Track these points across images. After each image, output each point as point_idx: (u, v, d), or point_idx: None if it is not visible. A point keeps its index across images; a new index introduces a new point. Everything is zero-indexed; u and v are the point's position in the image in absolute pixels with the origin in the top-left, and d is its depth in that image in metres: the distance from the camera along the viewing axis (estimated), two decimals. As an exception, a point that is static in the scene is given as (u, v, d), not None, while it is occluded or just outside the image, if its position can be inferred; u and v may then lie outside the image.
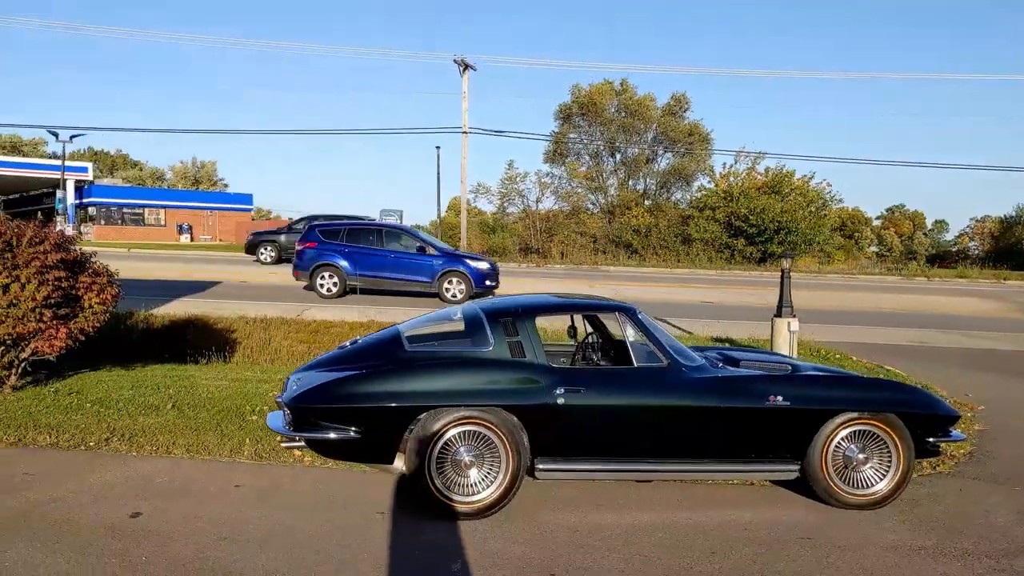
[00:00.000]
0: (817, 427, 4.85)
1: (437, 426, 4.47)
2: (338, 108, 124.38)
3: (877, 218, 77.04)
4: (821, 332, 12.77)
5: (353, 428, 4.47)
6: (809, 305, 17.77)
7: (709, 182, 37.05)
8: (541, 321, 5.46)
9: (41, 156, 61.22)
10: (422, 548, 4.11)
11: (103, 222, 49.51)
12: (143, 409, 6.45)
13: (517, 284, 19.29)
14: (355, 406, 4.49)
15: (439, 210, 39.52)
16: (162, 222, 51.64)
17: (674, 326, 12.83)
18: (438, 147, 44.87)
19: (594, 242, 35.53)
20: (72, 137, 38.09)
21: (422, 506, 4.54)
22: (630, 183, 39.95)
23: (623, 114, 39.02)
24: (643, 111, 38.48)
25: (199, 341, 10.22)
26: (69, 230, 42.53)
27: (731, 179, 35.11)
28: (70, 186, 47.12)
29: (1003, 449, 6.50)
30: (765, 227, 32.20)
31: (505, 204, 36.48)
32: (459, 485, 4.53)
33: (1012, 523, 4.80)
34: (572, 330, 6.25)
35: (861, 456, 4.94)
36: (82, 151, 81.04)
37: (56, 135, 37.15)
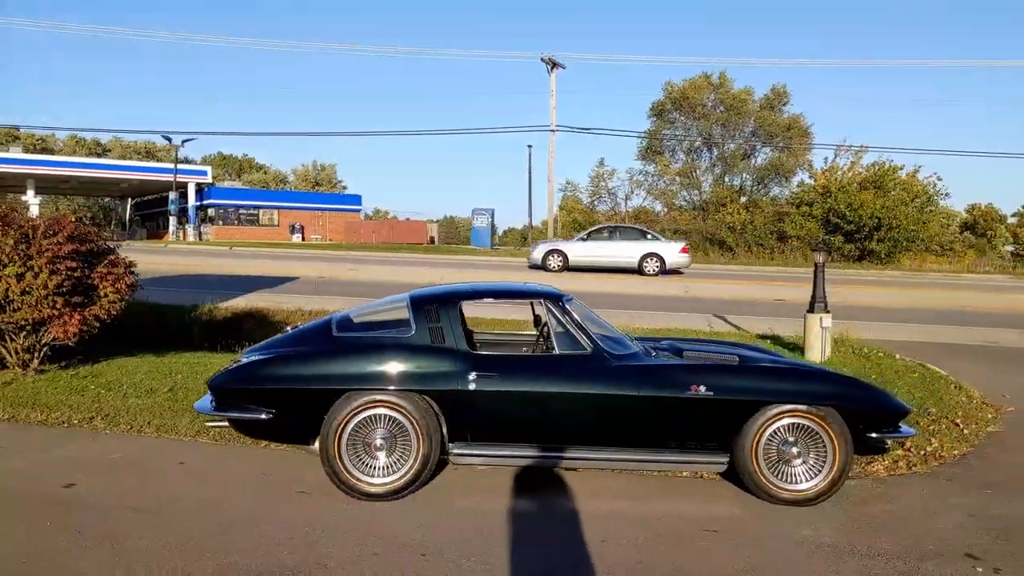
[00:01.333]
0: (745, 419, 4.64)
1: (348, 409, 4.57)
2: (429, 109, 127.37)
3: (1012, 215, 71.47)
4: (883, 330, 12.13)
5: (269, 409, 4.64)
6: (885, 304, 16.81)
7: (809, 177, 35.54)
8: (473, 308, 5.48)
9: (172, 161, 65.78)
10: (325, 526, 4.21)
11: (221, 223, 52.58)
12: (140, 392, 6.88)
13: (579, 282, 19.18)
14: (270, 388, 4.66)
15: (530, 208, 39.73)
16: (276, 222, 54.31)
17: (729, 322, 12.50)
18: (529, 146, 44.94)
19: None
20: (184, 142, 40.75)
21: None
22: (726, 179, 38.83)
23: (720, 108, 37.99)
24: (740, 105, 37.35)
25: (254, 332, 10.75)
26: (190, 231, 45.41)
27: (833, 175, 33.50)
28: (191, 188, 50.46)
29: (1005, 454, 5.98)
30: (864, 223, 30.57)
31: (595, 202, 36.22)
32: (370, 467, 4.62)
33: (953, 527, 4.44)
34: (536, 319, 6.21)
35: (794, 450, 4.70)
36: (211, 156, 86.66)
37: (169, 140, 39.76)
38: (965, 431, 6.50)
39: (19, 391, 6.79)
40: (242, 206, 53.98)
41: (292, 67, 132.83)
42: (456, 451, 4.67)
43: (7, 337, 7.27)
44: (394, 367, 4.64)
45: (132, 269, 8.01)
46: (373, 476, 4.60)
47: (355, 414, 4.58)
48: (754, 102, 37.59)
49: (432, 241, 55.12)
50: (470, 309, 9.51)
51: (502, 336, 6.16)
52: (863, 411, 4.70)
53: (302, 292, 15.14)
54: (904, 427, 4.96)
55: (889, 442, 4.86)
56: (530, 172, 35.61)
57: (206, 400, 4.93)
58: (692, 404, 4.63)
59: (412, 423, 4.58)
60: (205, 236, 48.97)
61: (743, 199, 37.57)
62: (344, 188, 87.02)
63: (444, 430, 4.62)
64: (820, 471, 4.69)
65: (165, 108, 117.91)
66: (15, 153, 50.72)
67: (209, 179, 51.89)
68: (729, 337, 10.98)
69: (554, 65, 32.89)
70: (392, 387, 4.58)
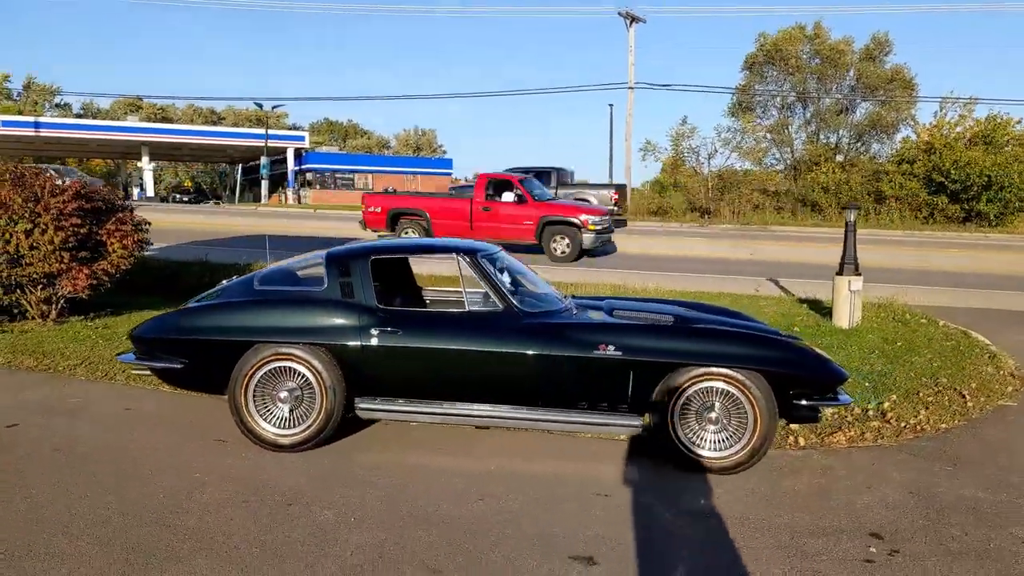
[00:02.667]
0: (658, 381, 4.40)
1: (254, 361, 4.61)
2: (506, 68, 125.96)
3: None
4: (954, 296, 11.46)
5: (182, 359, 4.75)
6: (972, 268, 15.60)
7: (912, 133, 33.17)
8: (390, 263, 5.45)
9: (281, 128, 68.29)
10: (220, 473, 4.30)
11: (318, 187, 54.28)
12: (134, 342, 7.20)
13: (639, 243, 18.74)
14: (183, 338, 4.76)
15: (611, 169, 38.93)
16: (370, 186, 55.59)
17: (780, 286, 11.99)
18: (611, 105, 43.53)
19: (776, 200, 33.27)
20: (273, 107, 42.00)
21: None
22: (821, 136, 36.80)
23: (816, 61, 35.90)
24: (838, 57, 35.10)
25: None
26: (289, 194, 47.14)
27: (939, 130, 31.11)
28: (290, 154, 52.28)
29: (997, 429, 5.46)
30: (971, 183, 28.28)
31: (676, 162, 35.05)
32: (277, 419, 4.66)
33: (877, 503, 4.08)
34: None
35: (712, 416, 4.42)
36: (318, 122, 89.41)
37: (260, 106, 41.14)
38: (969, 403, 5.97)
39: (28, 339, 7.23)
40: (338, 170, 55.49)
41: (383, 32, 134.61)
42: (362, 406, 4.65)
43: (27, 290, 7.73)
44: (301, 321, 4.64)
45: (142, 227, 8.36)
46: (280, 428, 4.64)
47: (261, 366, 4.62)
48: (853, 53, 35.22)
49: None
50: (432, 267, 9.48)
51: (454, 294, 6.05)
52: (792, 376, 4.37)
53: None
54: (843, 395, 4.59)
55: (823, 411, 4.50)
56: (611, 132, 34.80)
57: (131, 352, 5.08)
58: (600, 364, 4.42)
59: (316, 377, 4.57)
60: (304, 199, 50.73)
61: (839, 157, 35.49)
62: (443, 152, 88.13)
63: (347, 385, 4.60)
64: (740, 439, 4.41)
65: (276, 76, 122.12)
66: (132, 122, 53.83)
67: (307, 144, 53.57)
68: (766, 301, 10.48)
69: (633, 20, 31.90)
70: (297, 340, 4.58)
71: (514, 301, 4.65)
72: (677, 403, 4.43)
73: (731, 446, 4.42)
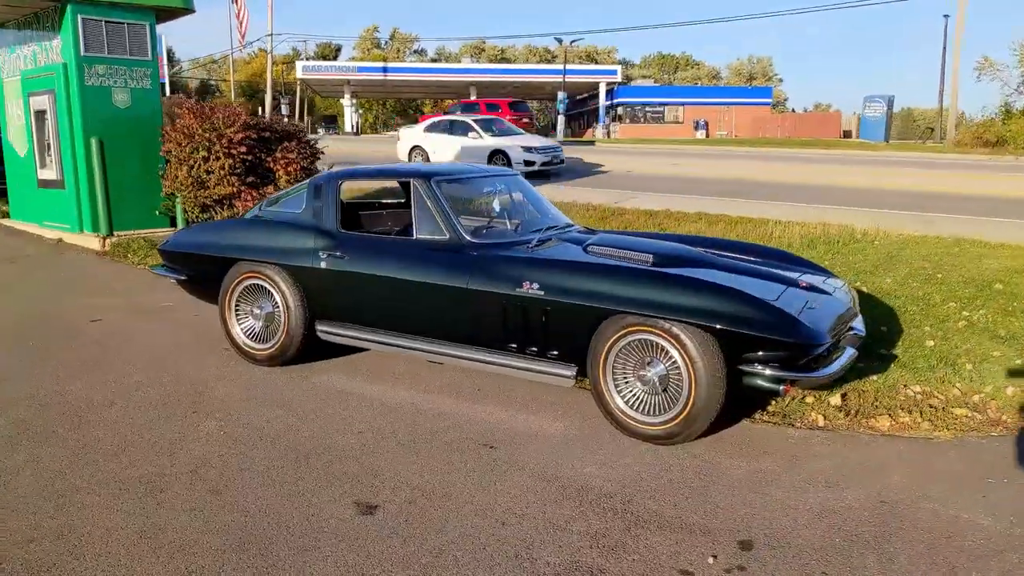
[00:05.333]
0: (586, 327, 3.82)
1: (233, 277, 4.91)
2: None
3: None
4: None
5: (187, 271, 5.22)
6: None
7: None
8: (360, 186, 5.31)
9: (610, 63, 69.17)
10: (219, 373, 4.72)
11: (628, 121, 54.19)
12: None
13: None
14: (185, 252, 5.23)
15: (941, 92, 33.11)
16: (680, 119, 54.15)
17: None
18: (946, 16, 35.95)
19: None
20: (572, 42, 42.37)
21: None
22: None
23: None
24: None
25: None
26: (598, 130, 48.05)
27: None
28: (601, 89, 52.73)
29: None
30: None
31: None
32: (252, 334, 4.93)
33: (781, 506, 3.17)
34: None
35: (649, 374, 3.75)
36: (650, 55, 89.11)
37: (560, 41, 41.80)
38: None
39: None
40: (648, 104, 54.76)
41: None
42: (320, 327, 4.70)
43: (214, 210, 8.96)
44: (272, 242, 4.80)
45: (310, 154, 9.14)
46: (255, 341, 4.90)
47: (240, 282, 4.88)
48: None
49: (847, 135, 49.60)
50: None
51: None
52: (741, 336, 3.49)
53: (584, 185, 15.35)
54: (824, 368, 3.59)
55: (785, 385, 3.54)
56: (944, 49, 29.22)
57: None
58: (522, 303, 3.95)
59: (280, 296, 4.72)
60: (613, 134, 51.13)
61: None
62: (780, 81, 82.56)
63: (307, 306, 4.68)
64: (675, 405, 3.67)
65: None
66: (464, 64, 58.30)
67: (618, 78, 53.47)
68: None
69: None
70: (267, 260, 4.75)
71: (461, 230, 4.32)
72: (608, 356, 3.82)
73: (664, 412, 3.72)
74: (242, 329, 4.94)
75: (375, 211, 5.68)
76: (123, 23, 8.94)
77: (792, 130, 48.04)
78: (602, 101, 52.98)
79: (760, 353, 3.52)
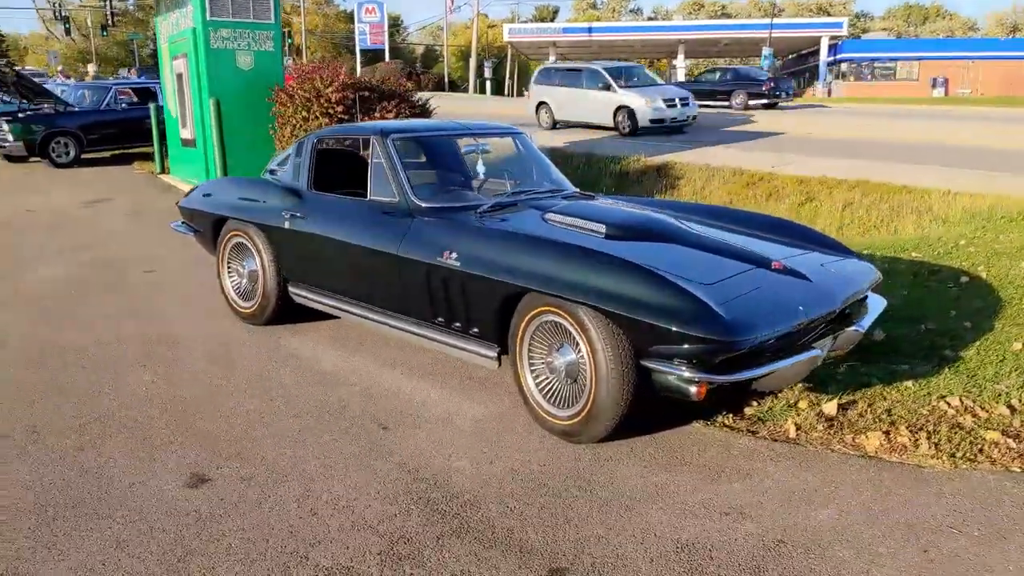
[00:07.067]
0: (504, 304, 3.37)
1: (226, 233, 4.94)
2: None
3: None
4: None
5: (197, 226, 5.32)
6: None
7: None
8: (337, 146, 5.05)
9: (844, 15, 63.49)
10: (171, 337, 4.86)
11: (852, 79, 49.46)
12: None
13: None
14: (194, 208, 5.29)
15: None
16: (914, 76, 48.53)
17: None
18: None
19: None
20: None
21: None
22: None
23: None
24: None
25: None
26: (819, 88, 44.53)
27: None
28: (823, 44, 48.40)
29: None
30: None
31: None
32: (240, 291, 4.95)
33: (674, 521, 2.57)
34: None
35: (559, 361, 3.26)
36: (895, 7, 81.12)
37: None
38: None
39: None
40: (877, 59, 49.56)
41: None
42: (291, 290, 4.60)
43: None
44: (253, 200, 4.75)
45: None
46: (242, 299, 4.92)
47: (228, 240, 4.90)
48: None
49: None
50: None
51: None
52: (644, 324, 2.89)
53: (746, 149, 14.14)
54: (753, 371, 2.89)
55: (698, 386, 2.87)
56: None
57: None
58: (440, 273, 3.56)
59: (258, 255, 4.67)
60: (835, 93, 46.95)
61: None
62: (1052, 30, 71.77)
63: (280, 267, 4.60)
64: (579, 399, 3.15)
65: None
66: (672, 21, 56.12)
67: (844, 32, 48.83)
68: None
69: None
70: (249, 220, 4.71)
71: (409, 191, 3.98)
72: (524, 337, 3.37)
73: (571, 406, 3.21)
74: (231, 285, 4.98)
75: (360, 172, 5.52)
76: (246, -12, 9.37)
77: (1052, 86, 41.41)
78: (823, 57, 48.65)
79: (668, 347, 2.90)
